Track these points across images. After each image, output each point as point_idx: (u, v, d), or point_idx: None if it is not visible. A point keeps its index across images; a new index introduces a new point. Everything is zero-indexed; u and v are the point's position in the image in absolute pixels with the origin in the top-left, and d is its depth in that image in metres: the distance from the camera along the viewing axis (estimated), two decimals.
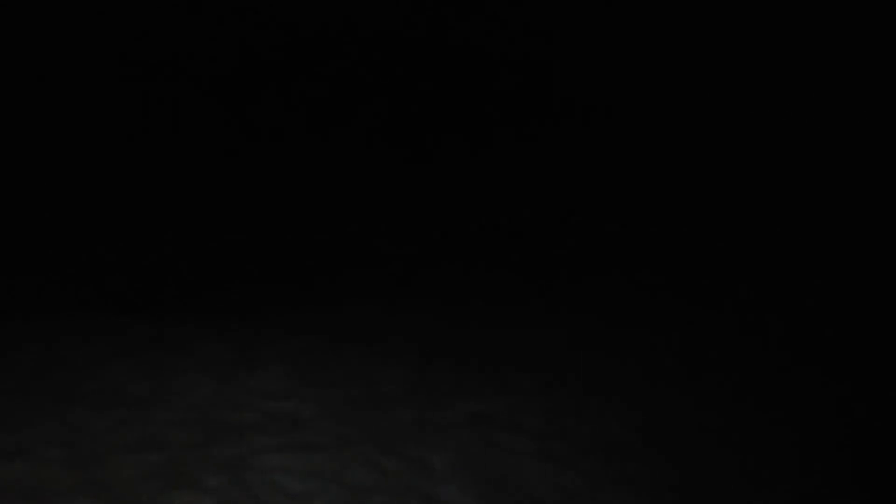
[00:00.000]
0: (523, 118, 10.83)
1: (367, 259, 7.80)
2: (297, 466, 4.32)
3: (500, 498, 4.13)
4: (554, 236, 8.81)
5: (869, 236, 9.33)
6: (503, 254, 8.20)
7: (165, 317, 6.22)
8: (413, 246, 8.19)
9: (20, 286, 6.74)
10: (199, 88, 10.45)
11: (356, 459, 4.40)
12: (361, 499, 4.08)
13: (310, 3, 10.48)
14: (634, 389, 5.40)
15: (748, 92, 11.10)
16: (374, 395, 5.20)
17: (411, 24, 10.55)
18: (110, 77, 10.22)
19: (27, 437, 4.44)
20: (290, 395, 5.08)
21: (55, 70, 10.08)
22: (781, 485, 4.37)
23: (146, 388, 5.03)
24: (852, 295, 7.52)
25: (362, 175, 10.16)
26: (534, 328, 6.38)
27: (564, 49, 10.99)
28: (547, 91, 10.89)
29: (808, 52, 10.62)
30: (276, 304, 6.66)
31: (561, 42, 10.96)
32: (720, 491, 4.29)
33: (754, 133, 11.23)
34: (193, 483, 4.11)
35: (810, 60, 10.63)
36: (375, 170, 10.25)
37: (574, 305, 6.91)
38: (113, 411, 4.74)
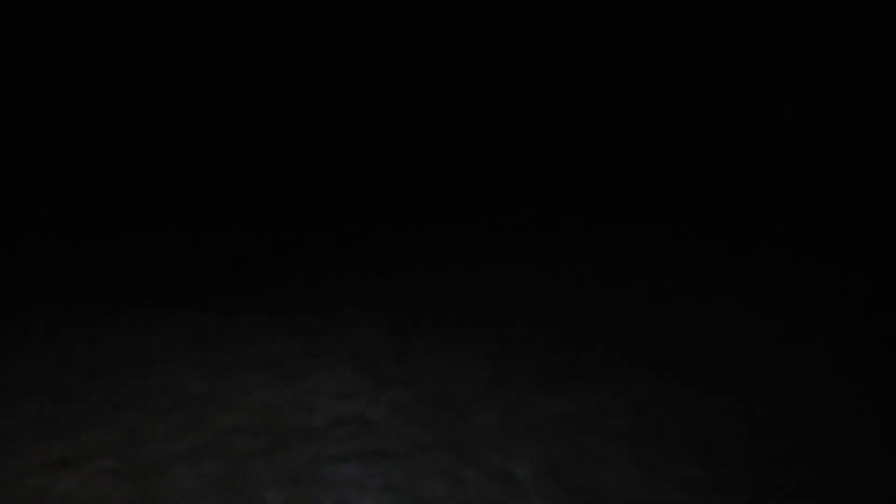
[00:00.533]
0: (523, 118, 10.83)
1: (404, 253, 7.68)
2: (368, 479, 3.96)
3: None
4: (585, 234, 8.80)
5: (870, 237, 9.32)
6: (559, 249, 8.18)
7: (220, 309, 5.88)
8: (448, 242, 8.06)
9: (59, 279, 6.58)
10: (199, 88, 10.45)
11: (432, 469, 4.03)
12: None
13: (310, 3, 10.47)
14: (731, 382, 4.99)
15: (748, 91, 11.10)
16: (449, 393, 4.84)
17: (411, 24, 10.55)
18: (110, 77, 10.22)
19: (77, 445, 4.15)
20: (359, 395, 4.72)
21: (55, 70, 10.08)
22: None
23: (204, 388, 4.72)
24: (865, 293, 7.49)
25: (362, 175, 10.16)
26: (614, 317, 6.01)
27: (564, 49, 10.99)
28: (547, 91, 10.89)
29: (808, 52, 10.62)
30: (340, 292, 6.32)
31: (561, 42, 10.96)
32: (843, 498, 3.89)
33: (755, 132, 11.23)
34: (256, 498, 3.78)
35: (810, 60, 10.63)
36: (375, 169, 10.25)
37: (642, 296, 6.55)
38: (169, 415, 4.43)
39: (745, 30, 10.81)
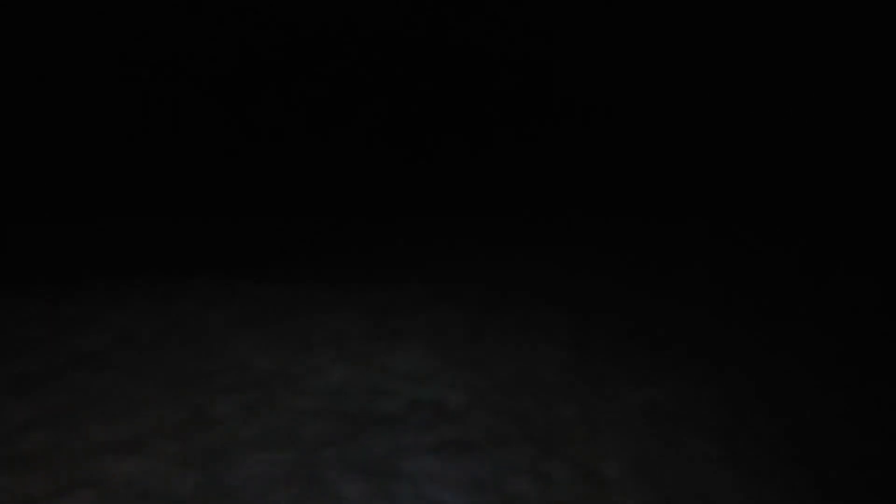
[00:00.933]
0: (523, 118, 10.82)
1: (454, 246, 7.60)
2: (449, 473, 3.64)
3: None
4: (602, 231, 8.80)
5: (872, 237, 9.32)
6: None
7: (288, 281, 5.61)
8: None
9: (122, 248, 6.40)
10: (199, 88, 10.45)
11: (515, 464, 3.74)
12: None
13: (310, 3, 10.47)
14: (829, 374, 4.69)
15: (749, 91, 11.10)
16: (528, 379, 4.49)
17: (411, 24, 10.55)
18: (110, 77, 10.21)
19: (142, 428, 3.86)
20: (435, 379, 4.40)
21: (55, 70, 10.07)
22: None
23: (274, 368, 4.40)
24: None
25: (362, 174, 10.16)
26: (680, 308, 5.72)
27: (564, 49, 10.99)
28: (547, 91, 10.89)
29: (808, 52, 10.62)
30: (411, 267, 6.08)
31: (561, 42, 10.96)
32: None
33: (755, 132, 11.23)
34: (330, 490, 3.49)
35: (811, 60, 10.63)
36: (375, 169, 10.25)
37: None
38: (237, 395, 4.12)
39: (745, 29, 10.81)
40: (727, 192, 10.93)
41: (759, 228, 9.44)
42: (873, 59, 10.33)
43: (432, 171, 10.30)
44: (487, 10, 10.62)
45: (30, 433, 3.75)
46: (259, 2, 10.41)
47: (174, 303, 5.19)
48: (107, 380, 4.31)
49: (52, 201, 8.93)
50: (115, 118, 10.09)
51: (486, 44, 10.70)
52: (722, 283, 6.46)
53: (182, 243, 6.77)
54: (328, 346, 4.74)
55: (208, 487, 3.51)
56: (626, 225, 8.48)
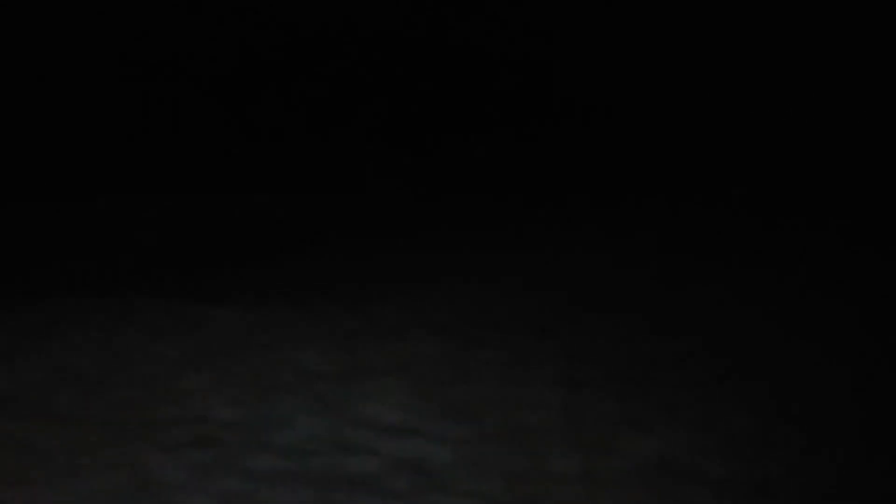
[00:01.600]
0: (523, 118, 10.82)
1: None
2: None
3: None
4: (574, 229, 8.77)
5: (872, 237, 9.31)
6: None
7: (248, 304, 5.07)
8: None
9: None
10: (199, 88, 10.45)
11: None
12: None
13: (310, 3, 10.48)
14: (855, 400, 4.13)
15: (750, 91, 11.09)
16: (519, 427, 4.00)
17: (411, 24, 10.55)
18: (110, 77, 10.21)
19: (72, 496, 3.28)
20: (414, 429, 3.88)
21: (55, 70, 10.08)
22: None
23: (230, 417, 3.90)
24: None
25: (363, 174, 10.16)
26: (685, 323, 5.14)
27: (564, 49, 10.99)
28: (547, 91, 10.89)
29: (808, 52, 10.61)
30: (385, 286, 5.50)
31: (561, 42, 10.96)
32: None
33: (757, 132, 11.22)
34: None
35: (811, 60, 10.63)
36: (376, 169, 10.25)
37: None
38: (188, 453, 3.62)
39: (746, 29, 10.81)
40: (728, 191, 10.91)
41: (767, 230, 9.44)
42: (874, 59, 10.33)
43: (429, 173, 10.30)
44: (487, 10, 10.62)
45: None
46: (259, 2, 10.42)
47: (119, 332, 4.71)
48: (33, 430, 3.80)
49: (47, 201, 8.93)
50: (115, 118, 10.10)
51: (486, 44, 10.70)
52: (741, 291, 6.02)
53: (134, 255, 6.39)
54: (292, 389, 4.31)
55: None
56: (625, 241, 8.41)
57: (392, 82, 10.63)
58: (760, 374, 4.70)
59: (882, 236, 8.80)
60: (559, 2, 10.67)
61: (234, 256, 6.56)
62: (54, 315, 5.04)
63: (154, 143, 10.13)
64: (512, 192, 10.11)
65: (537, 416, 4.10)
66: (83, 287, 5.75)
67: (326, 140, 10.69)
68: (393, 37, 10.58)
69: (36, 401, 4.07)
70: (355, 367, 4.55)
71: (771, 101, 11.00)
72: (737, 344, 5.21)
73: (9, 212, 8.50)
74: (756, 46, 10.80)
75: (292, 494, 3.44)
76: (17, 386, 4.18)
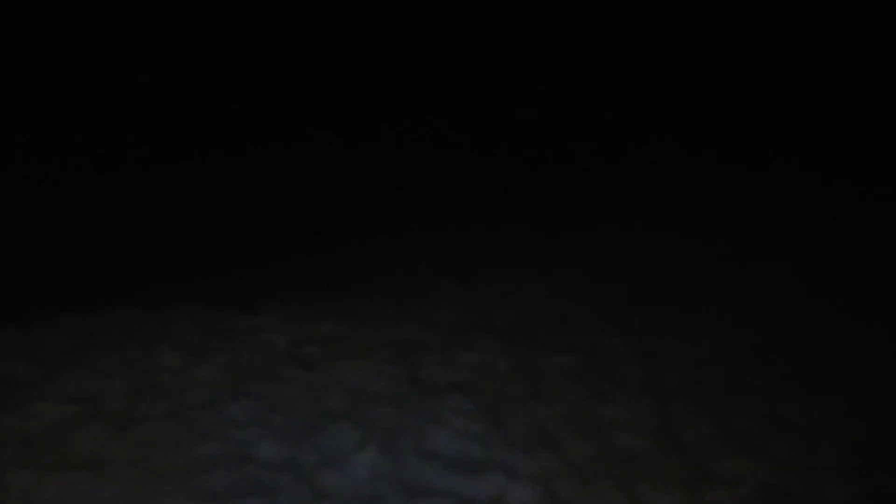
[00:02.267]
0: (523, 118, 10.82)
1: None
2: None
3: None
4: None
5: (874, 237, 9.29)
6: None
7: (288, 312, 4.51)
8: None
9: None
10: (199, 88, 10.45)
11: None
12: None
13: (310, 3, 10.48)
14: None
15: (752, 92, 11.09)
16: (604, 454, 3.40)
17: (411, 24, 10.55)
18: (110, 77, 10.21)
19: None
20: (488, 462, 3.26)
21: (55, 70, 10.07)
22: None
23: (278, 455, 3.32)
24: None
25: (365, 173, 10.16)
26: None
27: (564, 49, 10.99)
28: (547, 91, 10.89)
29: (810, 52, 10.61)
30: (432, 285, 4.88)
31: (561, 42, 10.97)
32: None
33: (758, 132, 11.22)
34: None
35: (813, 60, 10.62)
36: (380, 168, 10.24)
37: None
38: (234, 501, 3.02)
39: (748, 29, 10.80)
40: (731, 192, 10.91)
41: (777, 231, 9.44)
42: (877, 61, 10.33)
43: (440, 173, 10.30)
44: (487, 10, 10.62)
45: None
46: (259, 2, 10.42)
47: (153, 354, 4.08)
48: (47, 479, 3.27)
49: (45, 205, 8.93)
50: (115, 118, 10.09)
51: (486, 44, 10.70)
52: (810, 270, 5.44)
53: (161, 260, 5.87)
54: (347, 417, 3.69)
55: None
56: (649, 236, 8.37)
57: (392, 82, 10.63)
58: (863, 367, 4.16)
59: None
60: (559, 2, 10.67)
61: (265, 257, 6.08)
62: (77, 335, 4.39)
63: (154, 143, 10.13)
64: (541, 166, 10.13)
65: (626, 439, 3.55)
66: (105, 299, 5.16)
67: (326, 140, 10.69)
68: (393, 37, 10.58)
69: (53, 442, 3.48)
70: (414, 385, 3.96)
71: (773, 99, 11.00)
72: (823, 331, 4.62)
73: (9, 211, 8.50)
74: (757, 47, 10.80)
75: None
76: (32, 425, 3.60)
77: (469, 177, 9.78)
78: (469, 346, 4.33)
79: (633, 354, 4.32)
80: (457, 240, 6.99)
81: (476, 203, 8.66)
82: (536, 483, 3.25)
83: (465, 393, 3.89)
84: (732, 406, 3.86)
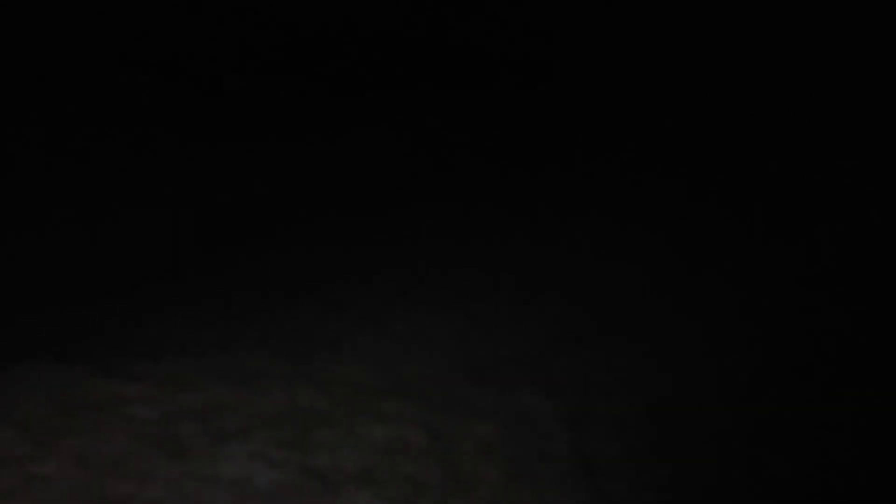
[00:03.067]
0: (523, 119, 10.83)
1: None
2: None
3: None
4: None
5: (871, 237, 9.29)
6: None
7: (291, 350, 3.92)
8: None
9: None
10: (199, 88, 10.45)
11: None
12: None
13: (310, 3, 10.49)
14: None
15: (753, 92, 11.09)
16: None
17: (411, 24, 10.56)
18: (110, 77, 10.22)
19: None
20: None
21: (55, 70, 10.08)
22: None
23: None
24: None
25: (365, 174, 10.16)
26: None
27: (565, 49, 11.00)
28: (547, 90, 10.90)
29: (810, 52, 10.61)
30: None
31: (561, 42, 10.98)
32: None
33: (760, 132, 11.22)
34: None
35: (814, 60, 10.63)
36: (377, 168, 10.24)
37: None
38: None
39: (748, 29, 10.81)
40: (737, 193, 10.91)
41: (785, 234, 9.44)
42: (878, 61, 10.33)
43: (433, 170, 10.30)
44: (487, 10, 10.63)
45: None
46: (259, 2, 10.43)
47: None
48: None
49: (45, 206, 8.93)
50: (114, 118, 10.09)
51: (486, 44, 10.71)
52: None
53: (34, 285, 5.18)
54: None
55: None
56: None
57: (392, 82, 10.64)
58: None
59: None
60: (559, 2, 10.68)
61: (160, 278, 5.21)
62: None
63: (153, 144, 10.12)
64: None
65: None
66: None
67: (326, 140, 10.69)
68: (393, 37, 10.59)
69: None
70: (312, 477, 3.06)
71: (776, 101, 11.00)
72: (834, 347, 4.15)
73: None
74: (760, 47, 10.80)
75: None
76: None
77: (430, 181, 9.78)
78: (379, 417, 3.67)
79: (560, 418, 3.76)
80: (372, 257, 6.46)
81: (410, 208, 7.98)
82: None
83: (373, 485, 3.16)
84: (673, 482, 3.12)
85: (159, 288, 5.59)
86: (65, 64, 10.09)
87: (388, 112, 10.48)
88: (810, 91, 10.86)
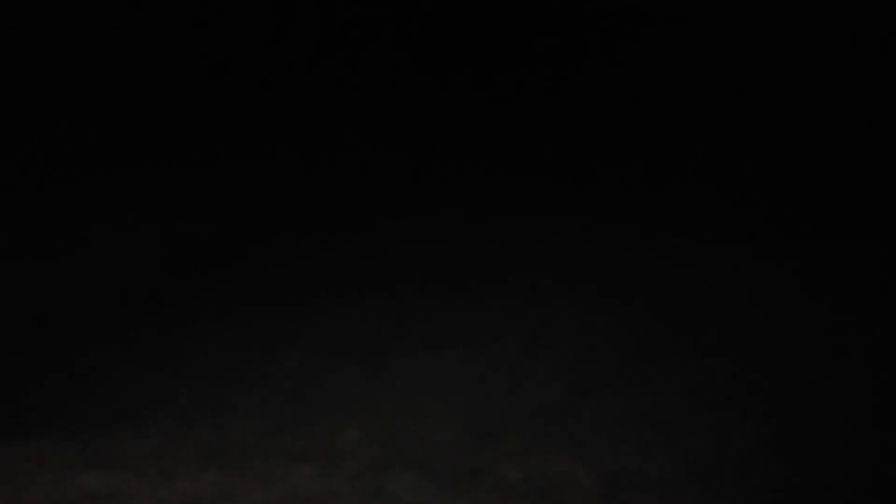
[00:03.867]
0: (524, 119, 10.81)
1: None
2: None
3: None
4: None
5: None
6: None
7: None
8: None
9: None
10: (199, 88, 10.51)
11: None
12: None
13: (310, 3, 10.52)
14: None
15: (757, 92, 10.97)
16: None
17: (411, 24, 10.57)
18: (110, 77, 10.30)
19: None
20: None
21: (55, 70, 10.18)
22: None
23: None
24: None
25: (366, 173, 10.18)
26: None
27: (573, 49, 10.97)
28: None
29: (812, 51, 10.48)
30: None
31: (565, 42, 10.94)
32: None
33: (763, 133, 11.10)
34: None
35: (815, 60, 10.49)
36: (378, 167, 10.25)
37: None
38: None
39: (750, 29, 10.69)
40: (743, 194, 10.80)
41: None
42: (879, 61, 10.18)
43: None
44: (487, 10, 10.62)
45: None
46: (259, 1, 10.47)
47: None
48: None
49: (46, 207, 9.02)
50: (114, 118, 10.17)
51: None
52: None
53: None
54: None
55: None
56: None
57: (392, 82, 10.66)
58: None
59: None
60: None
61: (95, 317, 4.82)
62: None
63: (153, 143, 10.19)
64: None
65: None
66: None
67: (328, 140, 10.70)
68: (393, 36, 10.60)
69: None
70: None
71: (779, 103, 10.85)
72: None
73: None
74: (763, 48, 10.66)
75: None
76: None
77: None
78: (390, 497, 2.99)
79: (594, 484, 3.20)
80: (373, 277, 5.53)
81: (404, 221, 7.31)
82: None
83: None
84: None
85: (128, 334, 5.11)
86: (65, 64, 10.15)
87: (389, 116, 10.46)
88: (841, 96, 10.68)
